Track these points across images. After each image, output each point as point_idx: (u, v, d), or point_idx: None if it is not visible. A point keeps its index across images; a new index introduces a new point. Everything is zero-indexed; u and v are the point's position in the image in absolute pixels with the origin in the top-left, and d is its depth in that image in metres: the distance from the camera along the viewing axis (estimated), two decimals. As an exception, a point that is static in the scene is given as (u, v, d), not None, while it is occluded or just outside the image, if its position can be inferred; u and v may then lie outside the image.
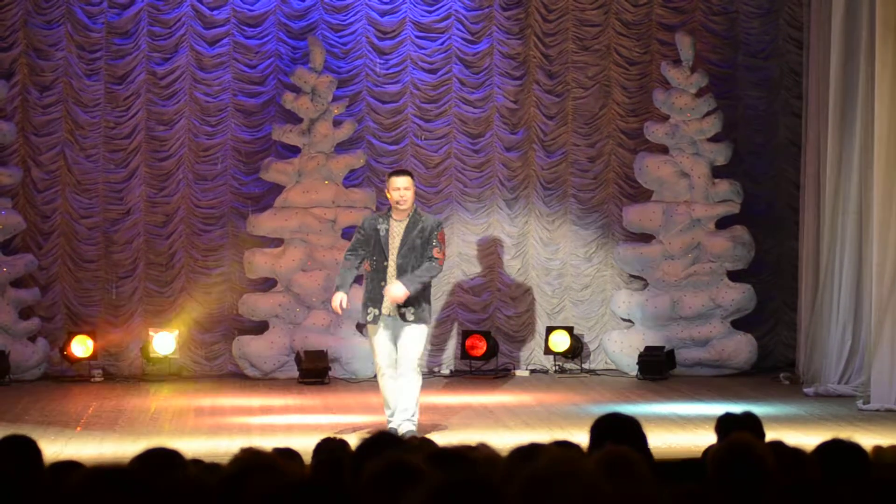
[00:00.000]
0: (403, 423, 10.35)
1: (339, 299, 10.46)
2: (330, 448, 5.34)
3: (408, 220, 10.50)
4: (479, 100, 15.45)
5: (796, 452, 4.83)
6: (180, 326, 14.80)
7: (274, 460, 3.97)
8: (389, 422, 10.68)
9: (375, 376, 14.08)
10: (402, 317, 10.34)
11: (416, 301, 10.38)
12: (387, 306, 10.38)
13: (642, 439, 5.25)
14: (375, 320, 10.42)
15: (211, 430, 11.03)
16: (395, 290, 10.26)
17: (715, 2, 15.52)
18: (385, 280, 10.42)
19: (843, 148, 13.18)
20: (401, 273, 10.38)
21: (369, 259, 10.55)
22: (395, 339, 10.48)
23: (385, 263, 10.45)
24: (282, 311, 14.49)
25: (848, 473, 4.75)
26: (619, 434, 5.07)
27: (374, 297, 10.43)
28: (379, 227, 10.51)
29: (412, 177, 10.72)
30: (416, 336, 10.38)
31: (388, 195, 10.57)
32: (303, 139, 14.69)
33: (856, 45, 12.92)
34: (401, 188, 10.44)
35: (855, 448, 5.08)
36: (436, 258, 10.46)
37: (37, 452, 4.84)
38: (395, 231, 10.51)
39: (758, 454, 4.44)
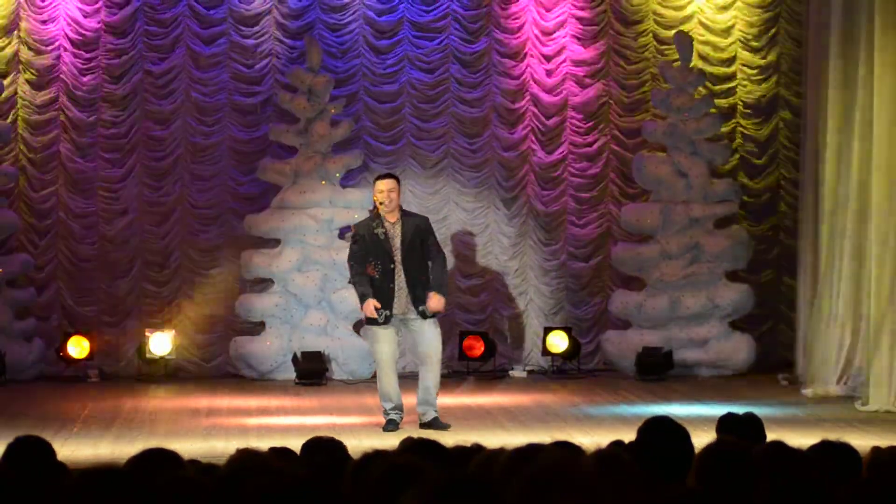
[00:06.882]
0: (429, 411, 11.00)
1: (372, 303, 10.80)
2: (326, 448, 5.31)
3: (401, 222, 10.89)
4: (477, 99, 15.41)
5: (795, 453, 4.81)
6: (177, 327, 14.76)
7: (271, 461, 3.95)
8: (388, 414, 10.93)
9: (372, 377, 14.25)
10: (423, 315, 10.85)
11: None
12: (400, 307, 10.84)
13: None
14: (388, 321, 10.85)
15: (208, 431, 11.02)
16: (437, 304, 10.83)
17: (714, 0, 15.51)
18: (394, 282, 10.87)
19: (843, 147, 13.14)
20: (408, 275, 10.82)
21: (372, 263, 10.85)
22: (398, 339, 11.04)
23: (392, 266, 10.90)
24: (279, 312, 14.44)
25: (839, 475, 4.72)
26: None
27: (385, 300, 10.84)
28: (376, 230, 10.87)
29: (397, 180, 11.16)
30: (437, 332, 10.97)
31: (374, 198, 11.00)
32: (300, 139, 14.65)
33: (855, 42, 12.89)
34: (384, 190, 10.88)
35: (846, 449, 5.05)
36: (440, 252, 11.08)
37: (51, 453, 4.82)
38: (393, 233, 10.93)
39: (745, 455, 4.44)
